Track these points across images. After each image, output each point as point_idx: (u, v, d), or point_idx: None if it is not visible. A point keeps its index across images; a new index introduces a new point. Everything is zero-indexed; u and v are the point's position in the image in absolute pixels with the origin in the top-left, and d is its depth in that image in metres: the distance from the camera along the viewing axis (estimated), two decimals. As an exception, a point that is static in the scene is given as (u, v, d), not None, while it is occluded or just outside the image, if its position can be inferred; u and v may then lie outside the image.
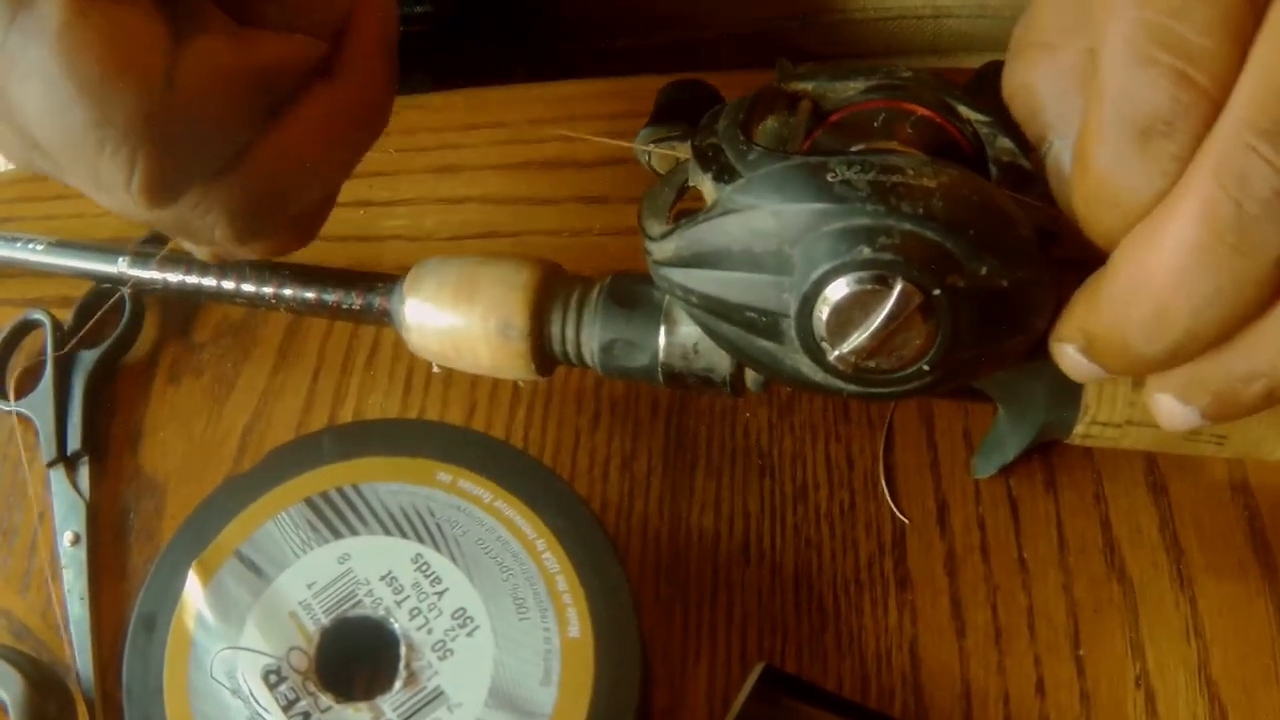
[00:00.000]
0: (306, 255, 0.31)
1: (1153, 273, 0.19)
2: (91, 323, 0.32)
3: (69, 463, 0.31)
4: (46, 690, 0.27)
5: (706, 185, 0.23)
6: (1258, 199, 0.18)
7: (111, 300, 0.32)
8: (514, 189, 0.36)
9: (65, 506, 0.30)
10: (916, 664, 0.27)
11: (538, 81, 0.38)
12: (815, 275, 0.21)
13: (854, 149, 0.23)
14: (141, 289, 0.31)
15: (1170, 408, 0.21)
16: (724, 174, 0.22)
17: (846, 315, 0.21)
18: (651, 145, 0.26)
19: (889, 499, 0.30)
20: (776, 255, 0.21)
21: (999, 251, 0.21)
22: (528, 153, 0.36)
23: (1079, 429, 0.26)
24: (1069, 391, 0.26)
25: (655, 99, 0.28)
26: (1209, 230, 0.18)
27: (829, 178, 0.21)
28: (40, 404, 0.32)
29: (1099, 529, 0.29)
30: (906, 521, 0.29)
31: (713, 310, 0.23)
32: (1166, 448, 0.26)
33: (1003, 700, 0.27)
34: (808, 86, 0.24)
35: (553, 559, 0.26)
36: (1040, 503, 0.29)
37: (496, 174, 0.36)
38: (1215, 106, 0.18)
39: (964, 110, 0.23)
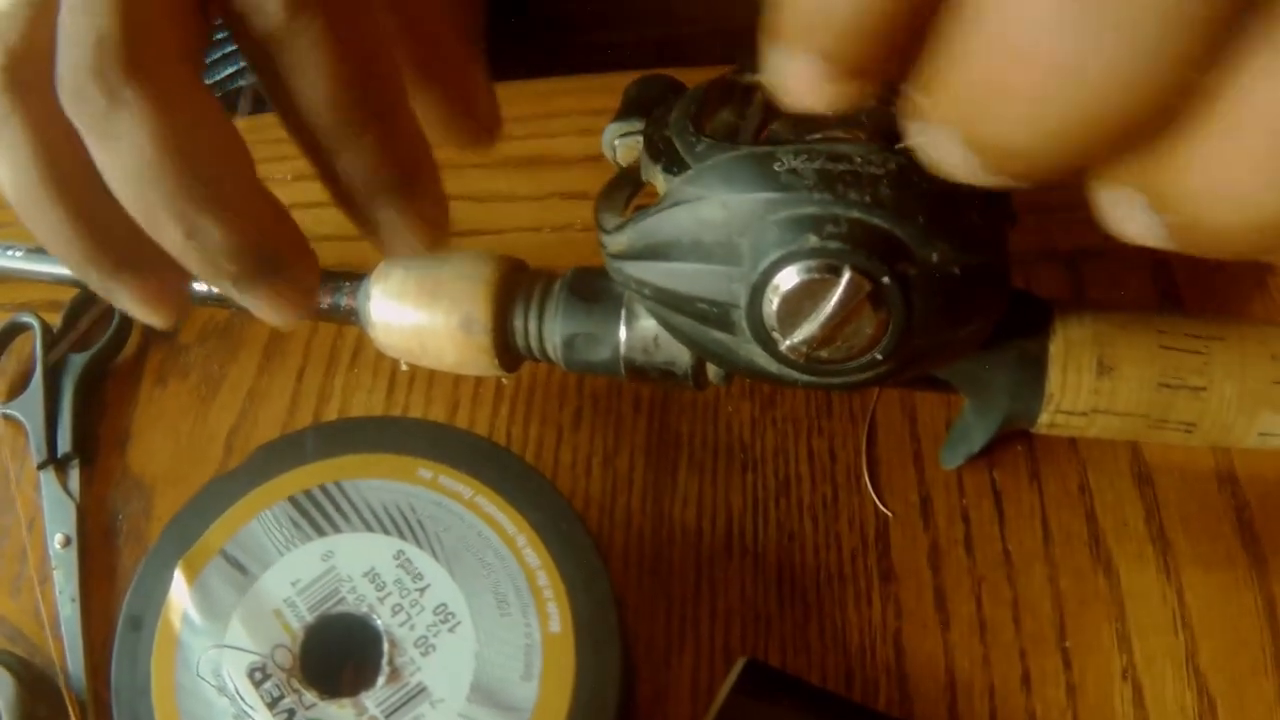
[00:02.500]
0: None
1: (1003, 24, 0.12)
2: (81, 327, 0.33)
3: (59, 465, 0.31)
4: (38, 692, 0.27)
5: (658, 178, 0.23)
6: None
7: (99, 305, 0.33)
8: (495, 186, 0.36)
9: (55, 508, 0.31)
10: (901, 656, 0.28)
11: (521, 79, 0.38)
12: (763, 265, 0.21)
13: (808, 136, 0.24)
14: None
15: (1116, 210, 0.14)
16: (673, 166, 0.22)
17: (796, 305, 0.21)
18: (616, 140, 0.26)
19: (872, 492, 0.30)
20: (726, 246, 0.21)
21: (950, 237, 0.21)
22: (508, 150, 0.37)
23: (1044, 418, 0.26)
24: (1032, 380, 0.26)
25: (623, 94, 0.28)
26: None
27: (775, 167, 0.21)
28: (30, 407, 0.32)
29: (1084, 521, 0.29)
30: (889, 515, 0.30)
31: (666, 302, 0.23)
32: (1134, 436, 0.27)
33: (988, 693, 0.27)
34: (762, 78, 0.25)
35: (533, 555, 0.26)
36: (1024, 495, 0.30)
37: (478, 171, 0.36)
38: None
39: None
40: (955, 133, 0.14)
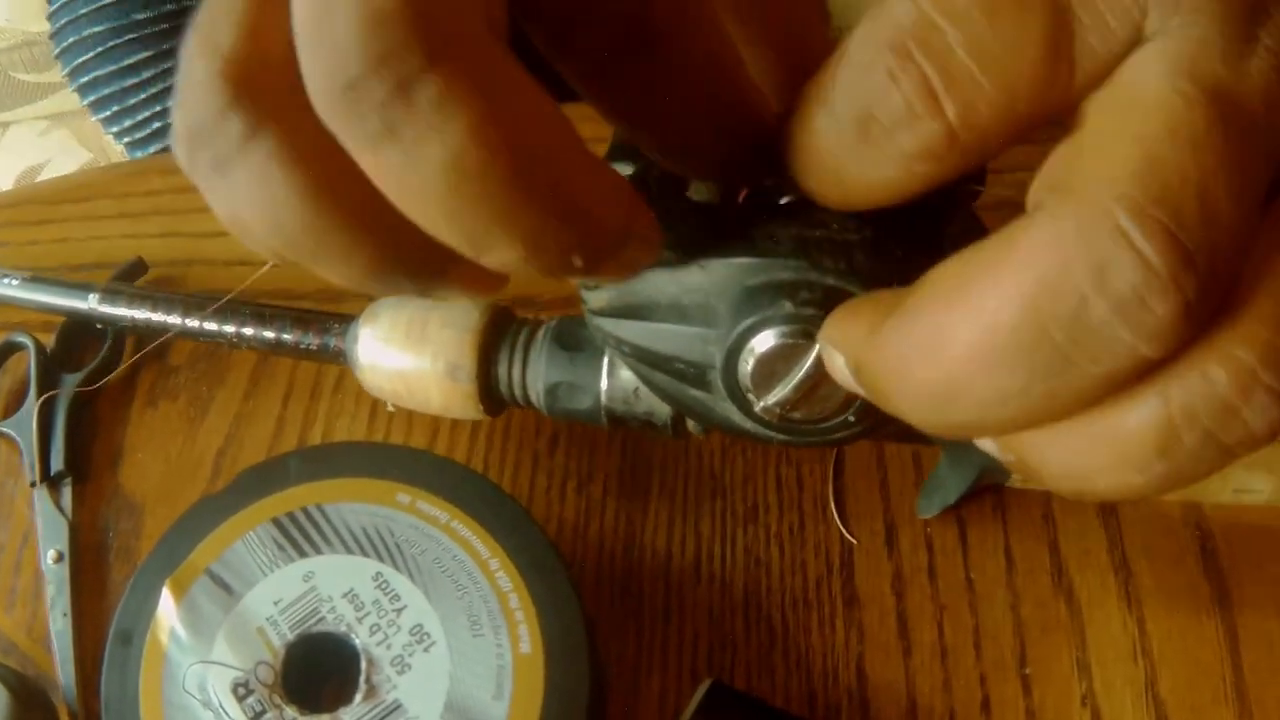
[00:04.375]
0: (279, 282, 0.34)
1: (950, 342, 0.16)
2: (74, 348, 0.35)
3: (52, 483, 0.34)
4: (31, 703, 0.30)
5: None
6: (1113, 299, 0.14)
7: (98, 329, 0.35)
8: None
9: (48, 525, 0.33)
10: (863, 681, 0.30)
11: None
12: (739, 329, 0.22)
13: (783, 200, 0.26)
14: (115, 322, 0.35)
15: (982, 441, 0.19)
16: None
17: (770, 368, 0.22)
18: None
19: (838, 520, 0.32)
20: (703, 308, 0.23)
21: None
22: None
23: (1018, 475, 0.28)
24: None
25: (613, 134, 0.30)
26: (1035, 320, 0.15)
27: (752, 233, 0.22)
28: (24, 426, 0.35)
29: (1047, 550, 0.32)
30: (854, 542, 0.32)
31: (644, 360, 0.24)
32: None
33: (948, 718, 0.30)
34: None
35: (506, 578, 0.29)
36: (989, 524, 0.32)
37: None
38: (956, 140, 0.16)
39: None
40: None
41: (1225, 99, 0.15)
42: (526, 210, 0.16)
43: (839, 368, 0.20)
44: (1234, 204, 0.15)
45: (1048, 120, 0.17)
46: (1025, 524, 0.32)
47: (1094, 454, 0.17)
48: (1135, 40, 0.16)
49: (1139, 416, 0.16)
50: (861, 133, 0.17)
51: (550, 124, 0.16)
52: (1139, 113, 0.15)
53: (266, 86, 0.16)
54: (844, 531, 0.32)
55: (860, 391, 0.19)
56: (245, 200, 0.16)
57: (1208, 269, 0.14)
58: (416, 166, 0.15)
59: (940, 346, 0.16)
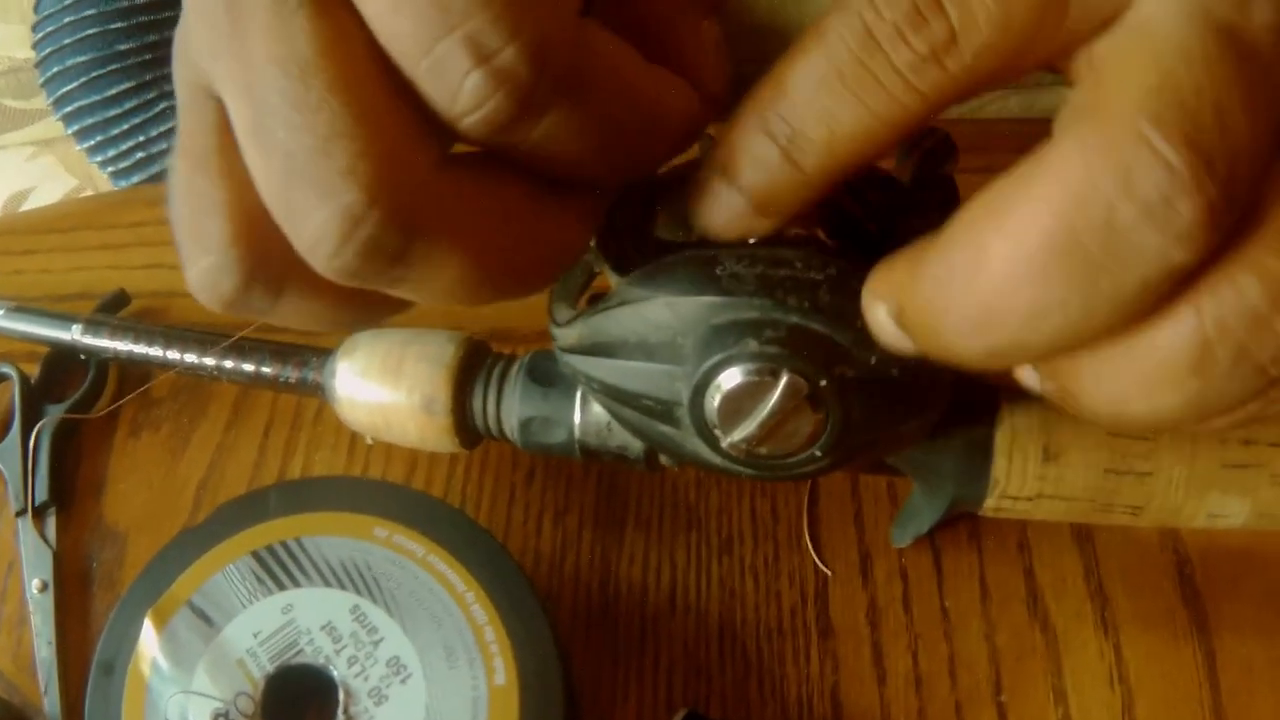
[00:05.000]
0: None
1: (987, 261, 0.17)
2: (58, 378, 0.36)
3: (37, 512, 0.35)
4: (16, 731, 0.31)
5: (609, 275, 0.26)
6: (1140, 203, 0.16)
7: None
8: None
9: (33, 555, 0.34)
10: (838, 710, 0.31)
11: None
12: (705, 366, 0.23)
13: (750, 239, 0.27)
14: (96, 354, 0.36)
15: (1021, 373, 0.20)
16: (621, 264, 0.25)
17: (737, 404, 0.23)
18: None
19: (812, 551, 0.33)
20: (670, 346, 0.24)
21: None
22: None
23: (990, 503, 0.29)
24: (977, 467, 0.28)
25: None
26: (1067, 229, 0.16)
27: (718, 271, 0.23)
28: (9, 455, 0.36)
29: (1022, 578, 0.33)
30: (829, 573, 0.33)
31: (613, 397, 0.25)
32: (1081, 518, 0.29)
33: (923, 745, 0.30)
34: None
35: (481, 611, 0.30)
36: (963, 552, 0.33)
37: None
38: (955, 44, 0.17)
39: (873, 194, 0.26)
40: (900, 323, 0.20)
41: (1234, 35, 0.16)
42: (526, 283, 0.20)
43: (881, 321, 0.20)
44: (1247, 120, 0.16)
45: (1037, 61, 0.18)
46: (1000, 552, 0.33)
47: (1131, 374, 0.18)
48: None
49: (1174, 331, 0.17)
50: (865, 45, 0.18)
51: (521, 216, 0.19)
52: (1153, 44, 0.16)
53: (274, 250, 0.18)
54: (818, 562, 0.33)
55: (905, 344, 0.20)
56: (288, 322, 0.20)
57: (1227, 173, 0.16)
58: (426, 295, 0.19)
59: (977, 267, 0.17)
